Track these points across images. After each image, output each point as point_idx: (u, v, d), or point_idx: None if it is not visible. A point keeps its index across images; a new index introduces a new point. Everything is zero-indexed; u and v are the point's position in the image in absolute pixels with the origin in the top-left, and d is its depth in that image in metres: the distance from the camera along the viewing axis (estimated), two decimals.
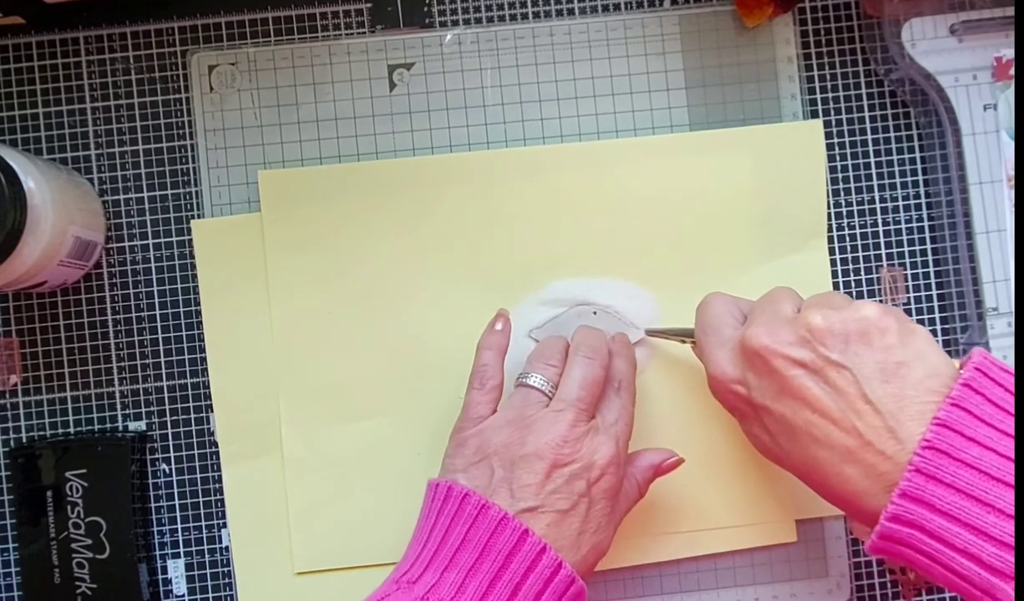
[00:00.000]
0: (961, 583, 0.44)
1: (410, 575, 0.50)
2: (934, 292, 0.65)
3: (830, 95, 0.65)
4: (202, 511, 0.63)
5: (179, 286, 0.63)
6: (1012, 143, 0.62)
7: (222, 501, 0.62)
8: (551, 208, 0.63)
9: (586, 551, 0.52)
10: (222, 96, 0.64)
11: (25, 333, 0.63)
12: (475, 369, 0.56)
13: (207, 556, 0.63)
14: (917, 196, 0.65)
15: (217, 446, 0.62)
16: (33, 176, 0.54)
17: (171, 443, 0.63)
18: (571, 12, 0.65)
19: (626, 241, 0.63)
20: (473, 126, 0.64)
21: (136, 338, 0.63)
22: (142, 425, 0.63)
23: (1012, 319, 0.62)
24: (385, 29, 0.65)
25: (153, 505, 0.63)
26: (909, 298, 0.65)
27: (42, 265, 0.55)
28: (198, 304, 0.62)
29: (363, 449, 0.62)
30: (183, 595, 0.63)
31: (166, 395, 0.63)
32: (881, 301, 0.64)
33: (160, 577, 0.63)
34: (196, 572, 0.63)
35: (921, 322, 0.64)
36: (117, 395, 0.63)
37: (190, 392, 0.63)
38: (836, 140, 0.65)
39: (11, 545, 0.62)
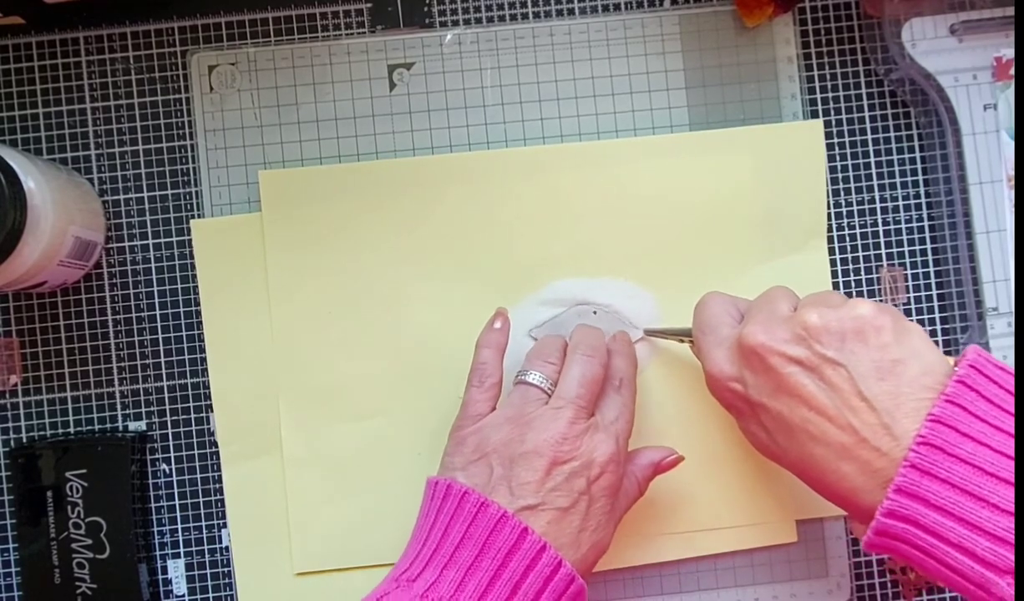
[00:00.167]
0: (955, 577, 0.44)
1: (409, 573, 0.50)
2: (934, 292, 0.65)
3: (830, 95, 0.65)
4: (202, 511, 0.63)
5: (179, 286, 0.63)
6: (1012, 143, 0.62)
7: (222, 501, 0.62)
8: (551, 208, 0.63)
9: (586, 549, 0.52)
10: (222, 96, 0.64)
11: (25, 333, 0.63)
12: (474, 367, 0.56)
13: (207, 556, 0.63)
14: (917, 196, 0.65)
15: (217, 446, 0.62)
16: (33, 176, 0.54)
17: (171, 443, 0.63)
18: (571, 12, 0.65)
19: (626, 241, 0.63)
20: (473, 126, 0.64)
21: (136, 338, 0.63)
22: (142, 425, 0.63)
23: (1012, 319, 0.62)
24: (385, 29, 0.65)
25: (153, 505, 0.63)
26: (909, 298, 0.65)
27: (42, 265, 0.55)
28: (198, 304, 0.62)
29: (363, 449, 0.62)
30: (183, 595, 0.63)
31: (166, 395, 0.63)
32: (880, 301, 0.64)
33: (160, 577, 0.63)
34: (196, 572, 0.63)
35: (921, 322, 0.64)
36: (117, 395, 0.63)
37: (190, 392, 0.63)
38: (836, 140, 0.65)
39: (11, 545, 0.62)
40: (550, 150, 0.63)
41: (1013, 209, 0.62)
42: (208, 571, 0.63)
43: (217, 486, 0.63)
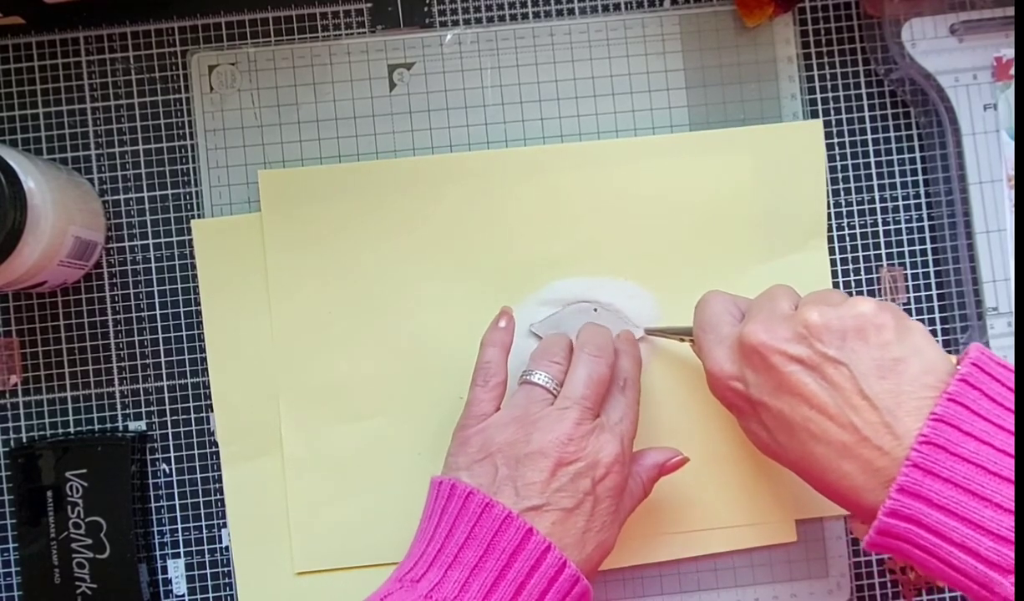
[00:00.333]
0: (958, 577, 0.44)
1: (413, 573, 0.50)
2: (934, 292, 0.65)
3: (830, 95, 0.65)
4: (202, 511, 0.63)
5: (179, 286, 0.63)
6: (1012, 143, 0.62)
7: (222, 501, 0.62)
8: (551, 208, 0.63)
9: (591, 550, 0.52)
10: (222, 96, 0.64)
11: (25, 333, 0.63)
12: (478, 366, 0.56)
13: (207, 556, 0.63)
14: (917, 196, 0.65)
15: (217, 446, 0.62)
16: (33, 176, 0.54)
17: (171, 443, 0.63)
18: (571, 12, 0.65)
19: (626, 241, 0.63)
20: (473, 126, 0.64)
21: (136, 338, 0.63)
22: (142, 425, 0.63)
23: (1012, 319, 0.62)
24: (385, 29, 0.65)
25: (153, 505, 0.63)
26: (909, 298, 0.65)
27: (42, 265, 0.55)
28: (198, 304, 0.62)
29: (363, 449, 0.62)
30: (183, 595, 0.63)
31: (166, 395, 0.63)
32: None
33: (160, 577, 0.63)
34: (196, 572, 0.63)
35: (921, 322, 0.64)
36: (117, 395, 0.63)
37: (190, 392, 0.63)
38: (836, 140, 0.65)
39: (11, 545, 0.62)
40: (550, 150, 0.63)
41: (1013, 209, 0.62)
42: (208, 571, 0.63)
43: (217, 486, 0.63)
